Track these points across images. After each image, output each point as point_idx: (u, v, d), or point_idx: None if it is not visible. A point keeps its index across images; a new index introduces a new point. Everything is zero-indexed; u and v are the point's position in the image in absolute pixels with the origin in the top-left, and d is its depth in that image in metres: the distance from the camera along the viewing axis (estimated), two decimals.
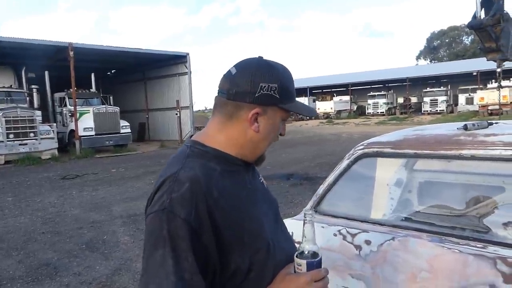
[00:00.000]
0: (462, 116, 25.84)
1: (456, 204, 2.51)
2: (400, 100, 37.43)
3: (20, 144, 13.04)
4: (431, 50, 60.97)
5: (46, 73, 15.47)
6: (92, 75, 17.06)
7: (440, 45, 60.32)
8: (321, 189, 2.09)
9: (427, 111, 32.90)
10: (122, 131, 16.04)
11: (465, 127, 1.78)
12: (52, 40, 15.30)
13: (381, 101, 36.01)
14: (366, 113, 36.87)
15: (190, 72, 19.26)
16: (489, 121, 1.89)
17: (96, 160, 13.43)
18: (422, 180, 2.80)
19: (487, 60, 5.69)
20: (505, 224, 1.88)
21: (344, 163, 2.03)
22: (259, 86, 0.93)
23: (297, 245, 1.01)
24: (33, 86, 14.79)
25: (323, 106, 37.98)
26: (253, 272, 0.92)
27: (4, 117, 12.83)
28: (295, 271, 0.95)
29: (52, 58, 15.97)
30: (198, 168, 0.91)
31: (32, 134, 13.34)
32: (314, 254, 0.94)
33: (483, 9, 5.27)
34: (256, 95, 0.94)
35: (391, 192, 2.76)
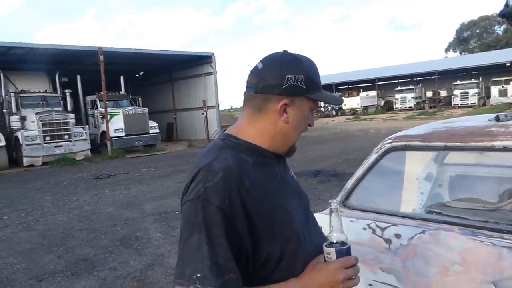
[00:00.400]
0: (495, 108, 24.81)
1: (489, 198, 2.46)
2: (429, 94, 36.36)
3: (55, 146, 13.61)
4: (461, 42, 58.80)
5: (78, 77, 16.05)
6: (121, 77, 17.55)
7: (470, 36, 58.08)
8: (349, 183, 2.10)
9: (458, 104, 31.83)
10: (151, 131, 16.44)
11: (497, 118, 1.75)
12: (82, 45, 15.86)
13: (409, 95, 35.13)
14: (394, 108, 36.08)
15: (216, 71, 19.47)
16: None
17: (127, 160, 13.83)
18: (453, 174, 2.75)
19: None
20: None
21: (372, 157, 2.03)
22: (286, 77, 0.96)
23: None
24: (66, 90, 15.39)
25: (350, 102, 37.43)
26: (284, 262, 0.96)
27: (41, 121, 13.41)
28: (325, 261, 0.97)
29: (83, 62, 16.57)
30: (231, 159, 0.95)
31: (66, 136, 13.90)
32: (343, 243, 0.96)
33: None
34: (284, 86, 0.97)
35: (421, 186, 2.74)
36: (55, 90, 15.57)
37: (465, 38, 58.54)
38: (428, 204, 2.64)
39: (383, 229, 1.86)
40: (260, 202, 0.94)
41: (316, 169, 8.96)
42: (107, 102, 15.65)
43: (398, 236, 1.80)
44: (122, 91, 17.73)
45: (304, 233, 1.02)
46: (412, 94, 35.14)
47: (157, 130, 16.79)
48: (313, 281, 0.95)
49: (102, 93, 15.66)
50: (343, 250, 0.95)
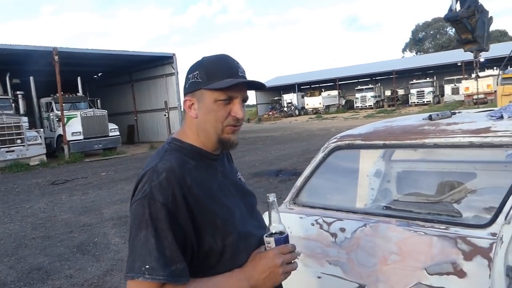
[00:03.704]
0: (449, 106, 26.23)
1: (432, 191, 2.63)
2: (388, 92, 37.80)
3: (7, 151, 12.92)
4: (417, 42, 61.57)
5: (31, 78, 15.31)
6: (79, 79, 16.92)
7: (425, 36, 60.94)
8: (299, 181, 2.18)
9: (414, 102, 33.29)
10: (110, 134, 15.99)
11: (430, 117, 1.88)
12: (36, 45, 15.14)
13: (369, 94, 36.31)
14: (355, 107, 37.16)
15: (177, 72, 19.23)
16: (452, 111, 1.99)
17: (86, 164, 13.38)
18: (400, 170, 2.91)
19: (464, 51, 5.85)
20: (467, 206, 1.99)
21: (319, 156, 2.12)
22: (187, 78, 1.09)
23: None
24: (18, 92, 14.63)
25: (312, 102, 38.20)
26: (226, 254, 1.03)
27: None
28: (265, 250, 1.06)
29: (37, 63, 15.80)
30: (174, 160, 1.03)
31: (19, 141, 13.23)
32: (281, 232, 1.05)
33: (458, 1, 5.43)
34: (186, 86, 1.09)
35: (371, 182, 2.88)
36: (5, 92, 14.76)
37: (420, 39, 61.33)
38: (378, 199, 2.78)
39: (329, 224, 1.95)
40: (201, 199, 1.01)
41: (277, 168, 9.09)
42: (63, 104, 15.06)
43: (343, 230, 1.89)
44: (80, 93, 17.10)
45: (245, 227, 1.09)
46: (372, 93, 36.34)
47: (117, 133, 16.35)
48: (255, 268, 1.03)
49: (58, 95, 15.05)
50: (281, 238, 1.04)
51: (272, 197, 1.07)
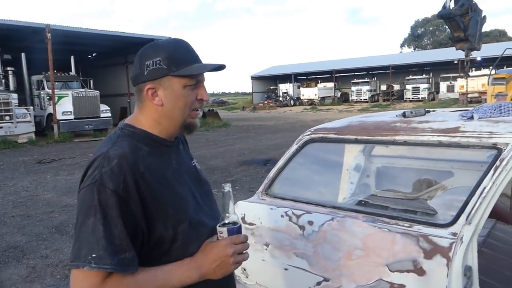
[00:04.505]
0: (443, 103, 26.31)
1: (410, 188, 2.64)
2: (383, 87, 37.81)
3: None
4: (415, 38, 61.42)
5: (23, 55, 15.08)
6: (72, 58, 16.69)
7: (424, 33, 60.79)
8: (272, 172, 2.16)
9: (409, 98, 33.38)
10: (102, 115, 15.83)
11: (404, 115, 1.87)
12: (28, 22, 14.85)
13: (365, 88, 36.31)
14: (350, 100, 37.17)
15: None
16: (426, 109, 1.98)
17: (75, 145, 13.27)
18: (379, 165, 2.91)
19: (456, 49, 5.85)
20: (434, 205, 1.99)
21: (293, 147, 2.10)
22: (145, 65, 1.04)
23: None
24: (8, 68, 14.41)
25: (308, 93, 38.12)
26: (178, 242, 1.02)
27: None
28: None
29: (29, 39, 15.55)
30: (127, 146, 1.01)
31: (7, 118, 13.06)
32: (234, 223, 1.05)
33: None
34: (145, 73, 1.04)
35: (351, 176, 2.88)
36: None
37: (419, 35, 61.18)
38: (356, 193, 2.79)
39: (298, 216, 1.94)
40: (153, 186, 0.99)
41: (266, 158, 9.09)
42: (55, 83, 14.84)
43: (311, 223, 1.89)
44: (72, 72, 16.89)
45: (197, 217, 1.08)
46: (367, 87, 36.35)
47: (109, 114, 16.19)
48: (206, 257, 1.02)
49: (49, 73, 14.84)
50: (234, 229, 1.04)
51: (227, 187, 1.06)
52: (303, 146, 2.08)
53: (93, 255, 0.89)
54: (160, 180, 1.02)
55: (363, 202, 2.45)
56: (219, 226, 1.04)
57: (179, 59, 1.03)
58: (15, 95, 13.77)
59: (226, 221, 1.04)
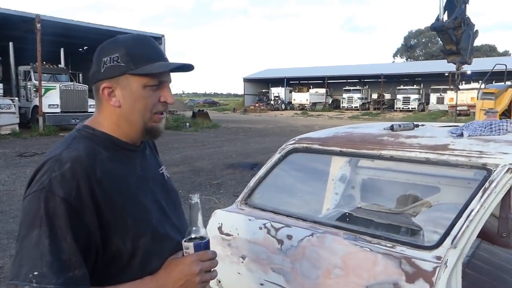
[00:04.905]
0: (432, 115, 26.56)
1: (395, 202, 2.57)
2: (375, 96, 38.05)
3: None
4: (408, 49, 62.09)
5: (11, 44, 14.75)
6: (62, 50, 16.41)
7: (417, 44, 61.50)
8: (252, 181, 2.07)
9: (400, 108, 33.59)
10: (90, 110, 15.49)
11: (392, 128, 1.79)
12: (17, 10, 14.52)
13: (356, 96, 36.48)
14: (341, 107, 37.30)
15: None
16: (416, 123, 1.90)
17: (60, 138, 12.48)
18: (365, 177, 2.84)
19: (448, 62, 5.84)
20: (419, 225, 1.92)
21: (275, 157, 2.01)
22: (102, 61, 0.94)
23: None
24: None
25: (299, 98, 38.14)
26: (136, 258, 0.91)
27: None
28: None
29: (18, 29, 15.20)
30: (83, 149, 0.91)
31: None
32: (202, 237, 0.95)
33: (446, 12, 5.39)
34: (102, 71, 0.94)
35: (336, 187, 2.80)
36: None
37: (411, 46, 61.88)
38: (341, 204, 2.71)
39: (277, 229, 1.85)
40: (111, 194, 0.89)
41: (253, 161, 8.99)
42: (43, 75, 14.54)
43: (289, 237, 1.80)
44: (61, 65, 16.60)
45: (161, 228, 0.98)
46: (359, 95, 36.52)
47: None
48: (169, 276, 0.92)
49: (37, 64, 14.53)
50: (201, 244, 0.95)
51: (195, 198, 0.96)
52: (286, 156, 1.99)
53: (35, 273, 0.78)
54: (120, 187, 0.92)
55: (347, 215, 2.38)
56: (185, 241, 0.95)
57: (139, 56, 0.93)
58: (0, 85, 13.45)
59: (193, 236, 0.95)
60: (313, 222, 1.79)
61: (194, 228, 0.95)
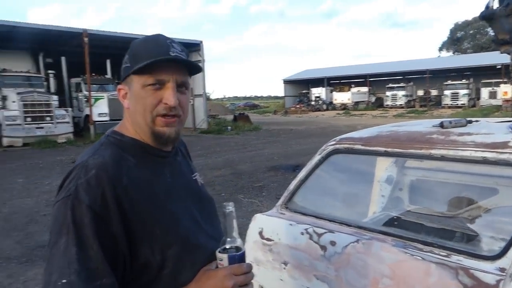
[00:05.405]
0: (484, 110, 24.99)
1: (447, 205, 2.39)
2: (420, 92, 36.48)
3: (37, 128, 13.36)
4: (454, 42, 58.93)
5: (63, 58, 15.69)
6: (108, 61, 17.21)
7: (464, 36, 58.22)
8: (292, 184, 2.00)
9: (448, 104, 31.96)
10: None
11: (441, 125, 1.66)
12: (67, 27, 15.48)
13: (400, 93, 35.17)
14: (385, 105, 36.12)
15: (204, 60, 19.22)
16: (468, 119, 1.75)
17: None
18: (413, 178, 2.69)
19: (501, 53, 5.41)
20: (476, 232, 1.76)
21: (316, 158, 1.93)
22: (122, 65, 0.95)
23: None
24: (50, 71, 15.03)
25: (340, 97, 37.42)
26: (166, 269, 0.88)
27: (22, 101, 13.14)
28: (217, 268, 0.91)
29: (68, 44, 16.17)
30: (109, 155, 0.89)
31: (48, 118, 13.64)
32: (237, 248, 0.90)
33: None
34: (122, 74, 0.96)
35: (382, 189, 2.67)
36: (38, 70, 15.24)
37: (458, 38, 58.69)
38: (388, 207, 2.57)
39: (319, 235, 1.77)
40: (139, 202, 0.87)
41: (295, 163, 8.88)
42: (92, 86, 15.32)
43: (333, 243, 1.71)
44: (108, 75, 17.40)
45: (193, 238, 0.94)
46: (403, 92, 35.18)
47: None
48: None
49: (86, 75, 15.35)
50: (236, 256, 0.89)
51: (230, 207, 0.91)
52: (326, 157, 1.91)
53: (63, 281, 0.76)
54: (147, 195, 0.89)
55: (395, 218, 2.25)
56: (219, 252, 0.90)
57: (140, 53, 0.90)
58: (55, 97, 14.37)
59: (228, 246, 0.90)
60: (358, 228, 1.70)
61: (229, 238, 0.90)
